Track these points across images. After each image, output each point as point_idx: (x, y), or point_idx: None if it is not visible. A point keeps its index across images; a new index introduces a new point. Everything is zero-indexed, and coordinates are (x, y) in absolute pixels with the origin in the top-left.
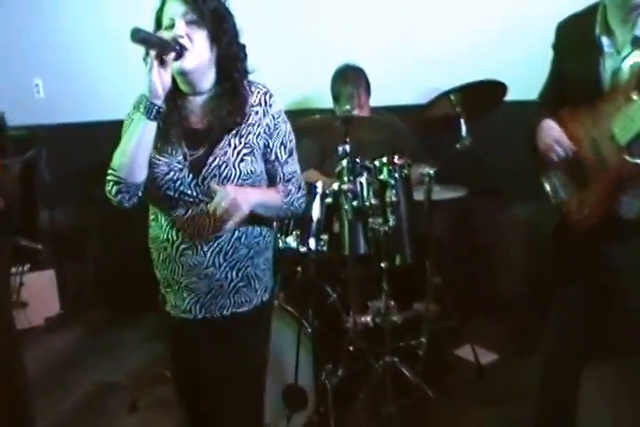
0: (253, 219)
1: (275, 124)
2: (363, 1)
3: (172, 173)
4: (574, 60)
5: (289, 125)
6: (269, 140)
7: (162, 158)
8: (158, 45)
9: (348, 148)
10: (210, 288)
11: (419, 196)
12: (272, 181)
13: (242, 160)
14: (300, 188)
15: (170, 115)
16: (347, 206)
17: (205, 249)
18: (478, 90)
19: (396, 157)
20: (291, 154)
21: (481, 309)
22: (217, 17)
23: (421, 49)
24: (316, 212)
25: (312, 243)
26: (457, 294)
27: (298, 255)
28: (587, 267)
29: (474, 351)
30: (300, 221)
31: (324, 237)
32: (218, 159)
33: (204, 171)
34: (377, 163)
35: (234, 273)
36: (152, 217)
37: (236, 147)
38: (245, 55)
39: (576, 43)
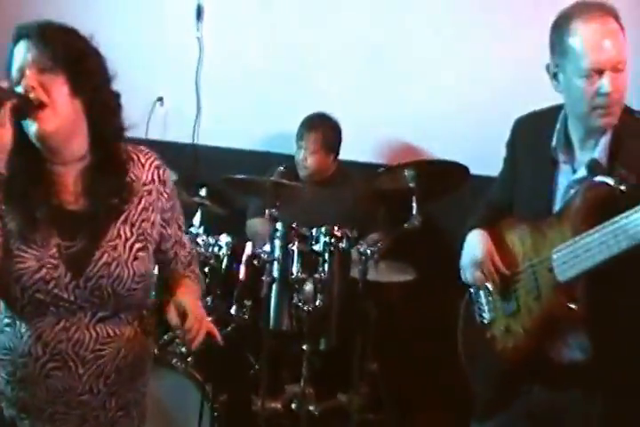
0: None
1: (171, 206)
2: (343, 53)
3: (43, 271)
4: (527, 167)
5: (177, 200)
6: (167, 228)
7: (29, 250)
8: None
9: (275, 212)
10: (82, 420)
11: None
12: (169, 265)
13: (136, 258)
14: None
15: (34, 191)
16: (266, 278)
17: (82, 371)
18: (437, 169)
19: (336, 228)
20: (183, 232)
21: (428, 402)
22: (76, 58)
23: (399, 108)
24: (241, 274)
25: (233, 309)
26: (398, 384)
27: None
28: (507, 402)
29: None
30: (223, 280)
31: (248, 302)
32: (107, 256)
33: (88, 270)
34: (314, 231)
35: (112, 401)
36: (7, 321)
37: (127, 239)
38: (119, 106)
39: (532, 148)
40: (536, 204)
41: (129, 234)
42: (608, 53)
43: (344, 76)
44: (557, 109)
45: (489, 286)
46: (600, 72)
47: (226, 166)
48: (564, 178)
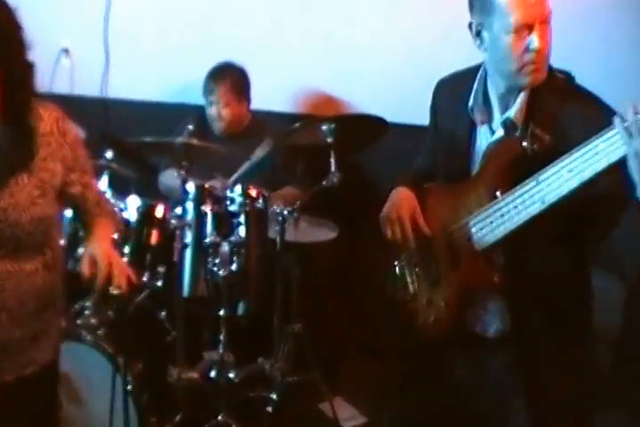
0: None
1: (74, 155)
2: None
3: None
4: (447, 130)
5: (84, 149)
6: (70, 174)
7: None
8: None
9: (184, 174)
10: None
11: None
12: (80, 206)
13: (33, 203)
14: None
15: None
16: (177, 244)
17: None
18: (355, 123)
19: (251, 188)
20: (91, 176)
21: (355, 360)
22: None
23: (314, 55)
24: (153, 239)
25: (145, 276)
26: (323, 343)
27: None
28: (428, 371)
29: (333, 410)
30: (134, 245)
31: (161, 268)
32: (3, 202)
33: None
34: (228, 192)
35: (18, 332)
36: None
37: (24, 187)
38: (33, 74)
39: (451, 110)
40: (455, 167)
41: (26, 182)
42: (536, 6)
43: (259, 24)
44: (476, 70)
45: (409, 259)
46: (530, 27)
47: (138, 120)
48: (483, 139)
